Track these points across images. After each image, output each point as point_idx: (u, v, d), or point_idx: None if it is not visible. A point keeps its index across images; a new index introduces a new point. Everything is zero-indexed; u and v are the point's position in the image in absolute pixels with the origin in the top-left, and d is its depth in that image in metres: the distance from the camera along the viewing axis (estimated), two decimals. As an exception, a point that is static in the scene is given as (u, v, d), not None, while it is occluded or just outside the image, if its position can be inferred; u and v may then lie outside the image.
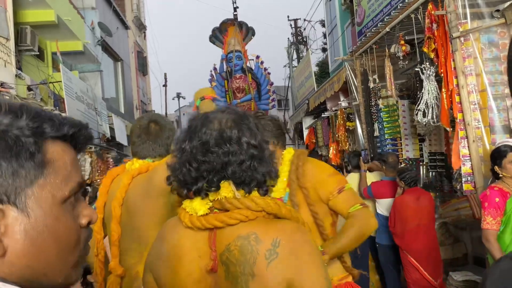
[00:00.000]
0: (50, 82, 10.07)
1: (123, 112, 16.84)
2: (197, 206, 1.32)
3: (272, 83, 17.66)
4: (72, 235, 0.64)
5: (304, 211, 2.25)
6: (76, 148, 0.67)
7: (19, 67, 8.82)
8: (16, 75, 8.25)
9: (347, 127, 8.41)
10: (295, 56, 19.56)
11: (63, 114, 6.64)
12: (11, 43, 8.31)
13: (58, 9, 10.38)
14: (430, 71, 4.89)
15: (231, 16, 17.43)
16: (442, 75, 4.51)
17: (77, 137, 0.66)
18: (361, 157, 5.84)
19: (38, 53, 10.19)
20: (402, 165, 6.62)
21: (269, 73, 17.44)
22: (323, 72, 19.97)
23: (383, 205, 5.07)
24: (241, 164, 1.28)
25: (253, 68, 17.32)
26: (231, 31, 17.01)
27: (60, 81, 9.63)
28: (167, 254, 1.36)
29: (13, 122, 0.59)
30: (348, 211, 2.25)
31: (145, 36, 23.57)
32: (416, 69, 5.18)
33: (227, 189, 1.30)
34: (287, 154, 2.44)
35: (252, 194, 1.32)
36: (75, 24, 11.63)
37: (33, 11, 9.84)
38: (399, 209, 4.65)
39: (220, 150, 1.27)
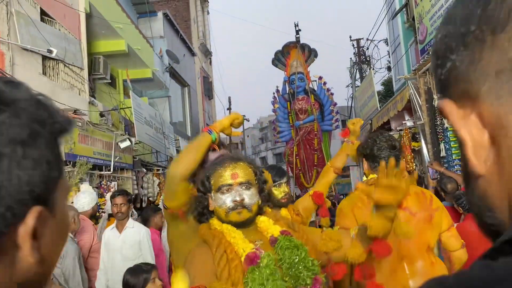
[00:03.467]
0: (121, 108, 10.62)
1: (189, 135, 17.37)
2: None
3: (335, 104, 17.49)
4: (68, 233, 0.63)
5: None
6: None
7: (92, 95, 9.38)
8: (89, 102, 8.78)
9: (412, 147, 8.15)
10: (358, 76, 19.33)
11: (132, 139, 6.94)
12: (85, 72, 8.88)
13: (129, 39, 11.00)
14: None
15: (294, 39, 17.60)
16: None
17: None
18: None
19: (110, 81, 10.81)
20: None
21: (332, 94, 17.31)
22: (388, 91, 19.56)
23: None
24: None
25: (315, 89, 17.28)
26: (293, 53, 17.12)
27: (130, 107, 10.13)
28: None
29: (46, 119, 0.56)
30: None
31: (210, 61, 24.30)
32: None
33: None
34: None
35: None
36: (144, 53, 12.25)
37: (105, 42, 10.50)
38: (463, 237, 4.40)
39: None
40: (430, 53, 0.49)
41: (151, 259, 4.31)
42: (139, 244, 4.41)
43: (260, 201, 1.85)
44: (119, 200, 4.49)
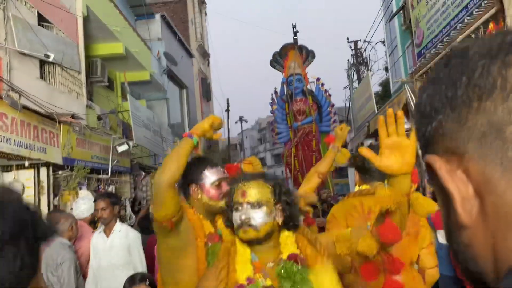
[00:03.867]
0: (118, 112, 10.61)
1: (187, 137, 17.35)
2: None
3: (333, 105, 17.52)
4: None
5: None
6: None
7: (90, 98, 9.37)
8: (87, 106, 8.78)
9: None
10: (355, 77, 19.36)
11: (130, 143, 6.95)
12: (83, 76, 8.87)
13: (126, 41, 11.00)
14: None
15: (292, 41, 17.62)
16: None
17: None
18: None
19: (107, 84, 10.80)
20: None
21: (330, 95, 17.33)
22: (386, 92, 19.59)
23: (444, 235, 4.83)
24: None
25: (313, 90, 17.31)
26: (291, 55, 17.16)
27: (128, 110, 10.13)
28: None
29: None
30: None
31: (208, 63, 24.31)
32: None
33: None
34: None
35: None
36: (142, 55, 12.25)
37: (103, 45, 10.49)
38: None
39: None
40: (414, 109, 0.51)
41: (140, 265, 4.19)
42: (128, 249, 4.25)
43: (278, 220, 1.81)
44: (100, 204, 4.32)
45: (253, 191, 1.82)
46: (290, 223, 1.84)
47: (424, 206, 2.26)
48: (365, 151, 1.61)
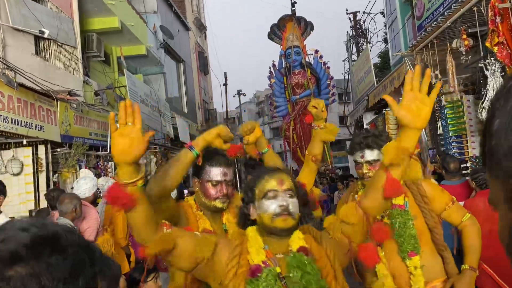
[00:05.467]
0: (115, 87, 10.51)
1: (186, 112, 17.28)
2: None
3: (332, 77, 17.42)
4: None
5: (420, 222, 2.58)
6: None
7: (86, 74, 9.27)
8: (83, 81, 8.69)
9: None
10: (354, 49, 19.16)
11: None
12: (78, 51, 8.76)
13: (122, 15, 10.82)
14: (495, 66, 4.64)
15: (290, 12, 17.36)
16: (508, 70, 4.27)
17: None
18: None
19: (104, 58, 10.67)
20: (468, 164, 6.32)
21: (328, 68, 17.23)
22: (385, 63, 19.43)
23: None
24: None
25: (312, 63, 17.18)
26: (289, 27, 16.96)
27: (125, 86, 10.04)
28: None
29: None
30: (461, 220, 2.70)
31: (205, 36, 24.01)
32: (480, 64, 4.92)
33: None
34: None
35: None
36: (138, 29, 12.07)
37: (98, 19, 10.32)
38: (471, 212, 4.42)
39: None
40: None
41: None
42: None
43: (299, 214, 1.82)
44: None
45: (287, 180, 1.80)
46: (302, 221, 1.85)
47: (413, 172, 2.67)
48: (387, 98, 1.76)
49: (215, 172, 2.25)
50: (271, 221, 1.74)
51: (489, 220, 4.35)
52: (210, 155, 2.24)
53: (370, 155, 2.55)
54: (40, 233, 0.72)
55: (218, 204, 2.26)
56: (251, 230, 1.80)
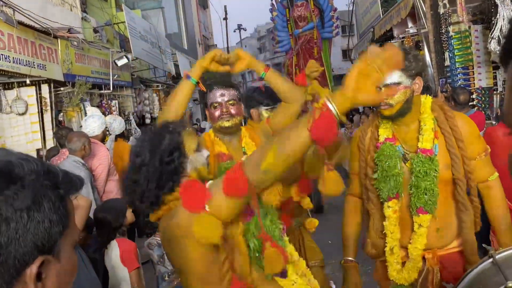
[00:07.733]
0: (114, 23, 10.28)
1: (186, 48, 16.99)
2: None
3: (335, 9, 16.88)
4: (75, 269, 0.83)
5: (448, 174, 2.11)
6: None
7: (84, 10, 9.03)
8: (82, 18, 8.49)
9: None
10: (359, -21, 18.47)
11: (129, 56, 6.79)
12: (75, -14, 8.47)
13: None
14: (506, -6, 4.50)
15: None
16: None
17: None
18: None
19: (101, -7, 10.35)
20: (474, 96, 6.29)
21: (332, -2, 16.67)
22: (390, -6, 18.81)
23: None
24: None
25: (315, -6, 16.61)
26: (291, -45, 16.25)
27: (124, 22, 9.80)
28: None
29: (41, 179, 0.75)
30: (488, 178, 2.18)
31: (203, -33, 23.14)
32: (491, -8, 4.78)
33: None
34: (427, 102, 2.19)
35: None
36: (134, -39, 11.61)
37: (93, -49, 9.90)
38: (488, 141, 4.35)
39: None
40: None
41: None
42: None
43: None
44: None
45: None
46: None
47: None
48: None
49: (214, 95, 2.34)
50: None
51: (506, 152, 4.27)
52: (209, 80, 2.32)
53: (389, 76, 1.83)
54: None
55: (223, 123, 2.32)
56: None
